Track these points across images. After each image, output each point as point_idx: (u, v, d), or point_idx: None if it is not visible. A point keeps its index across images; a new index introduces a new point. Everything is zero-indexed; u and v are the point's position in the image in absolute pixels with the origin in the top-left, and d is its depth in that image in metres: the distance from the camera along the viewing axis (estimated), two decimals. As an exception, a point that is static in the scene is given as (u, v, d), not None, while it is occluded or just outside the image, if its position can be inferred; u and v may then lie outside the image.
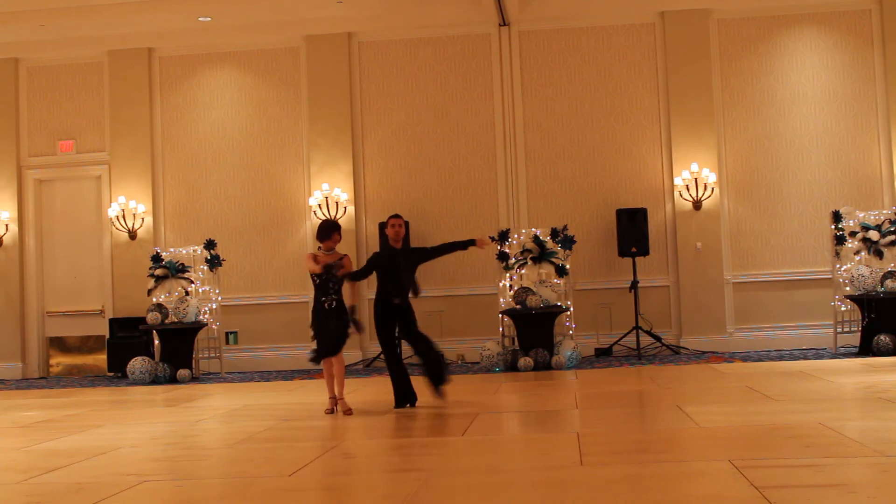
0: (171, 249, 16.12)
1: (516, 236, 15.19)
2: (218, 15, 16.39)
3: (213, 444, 8.72)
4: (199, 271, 15.82)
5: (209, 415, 10.66)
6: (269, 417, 10.03)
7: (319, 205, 16.40)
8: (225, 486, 6.58)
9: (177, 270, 15.66)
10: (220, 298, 15.89)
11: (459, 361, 15.95)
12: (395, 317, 10.15)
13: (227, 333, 16.56)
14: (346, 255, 10.13)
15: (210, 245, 15.70)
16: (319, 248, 10.10)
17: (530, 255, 14.98)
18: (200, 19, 16.45)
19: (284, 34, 16.97)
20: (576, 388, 11.58)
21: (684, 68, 16.25)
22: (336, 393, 10.00)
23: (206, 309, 15.70)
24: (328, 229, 10.06)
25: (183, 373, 15.02)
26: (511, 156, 16.49)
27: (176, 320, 15.20)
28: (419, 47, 16.87)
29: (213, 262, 15.71)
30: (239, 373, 16.10)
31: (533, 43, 16.68)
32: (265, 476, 6.76)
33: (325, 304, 9.86)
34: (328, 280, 9.81)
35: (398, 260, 10.13)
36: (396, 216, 10.37)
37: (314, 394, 12.34)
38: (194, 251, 15.90)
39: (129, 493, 6.18)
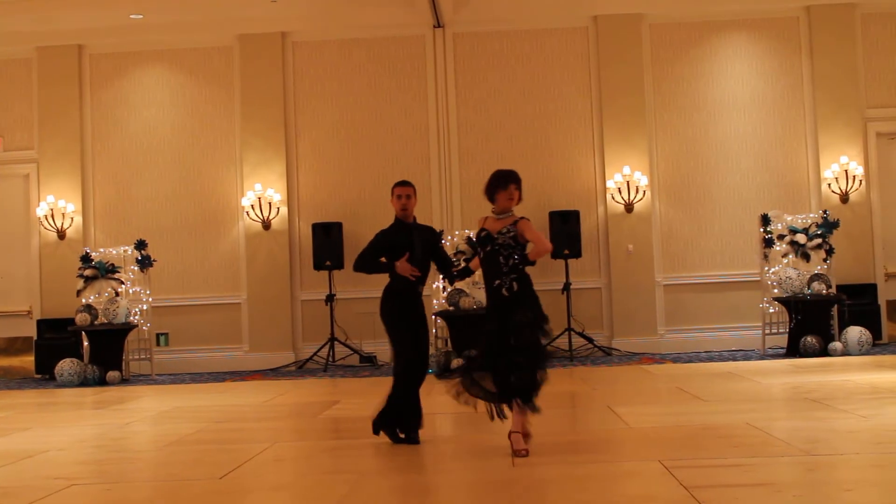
0: (101, 249, 15.87)
1: (448, 238, 15.23)
2: (150, 12, 16.19)
3: (142, 446, 8.64)
4: (130, 272, 15.60)
5: (139, 417, 10.54)
6: (200, 420, 9.94)
7: (252, 205, 16.26)
8: (155, 489, 6.52)
9: (107, 271, 15.45)
10: (150, 299, 15.69)
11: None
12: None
13: (157, 335, 16.35)
14: (522, 218, 7.31)
15: (141, 245, 15.49)
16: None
17: (463, 258, 15.02)
18: (132, 16, 16.23)
19: (217, 33, 16.80)
20: (509, 390, 11.60)
21: (616, 72, 16.36)
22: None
23: (137, 310, 15.49)
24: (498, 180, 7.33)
25: (113, 375, 14.80)
26: (445, 158, 16.49)
27: (106, 321, 14.99)
28: (353, 48, 16.79)
29: (144, 263, 15.51)
30: (170, 374, 15.90)
31: (467, 45, 16.70)
32: (196, 479, 6.70)
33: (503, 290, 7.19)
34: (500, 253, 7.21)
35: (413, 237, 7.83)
36: (403, 183, 7.98)
37: (245, 395, 12.27)
38: (125, 251, 15.68)
39: (57, 497, 6.10)
